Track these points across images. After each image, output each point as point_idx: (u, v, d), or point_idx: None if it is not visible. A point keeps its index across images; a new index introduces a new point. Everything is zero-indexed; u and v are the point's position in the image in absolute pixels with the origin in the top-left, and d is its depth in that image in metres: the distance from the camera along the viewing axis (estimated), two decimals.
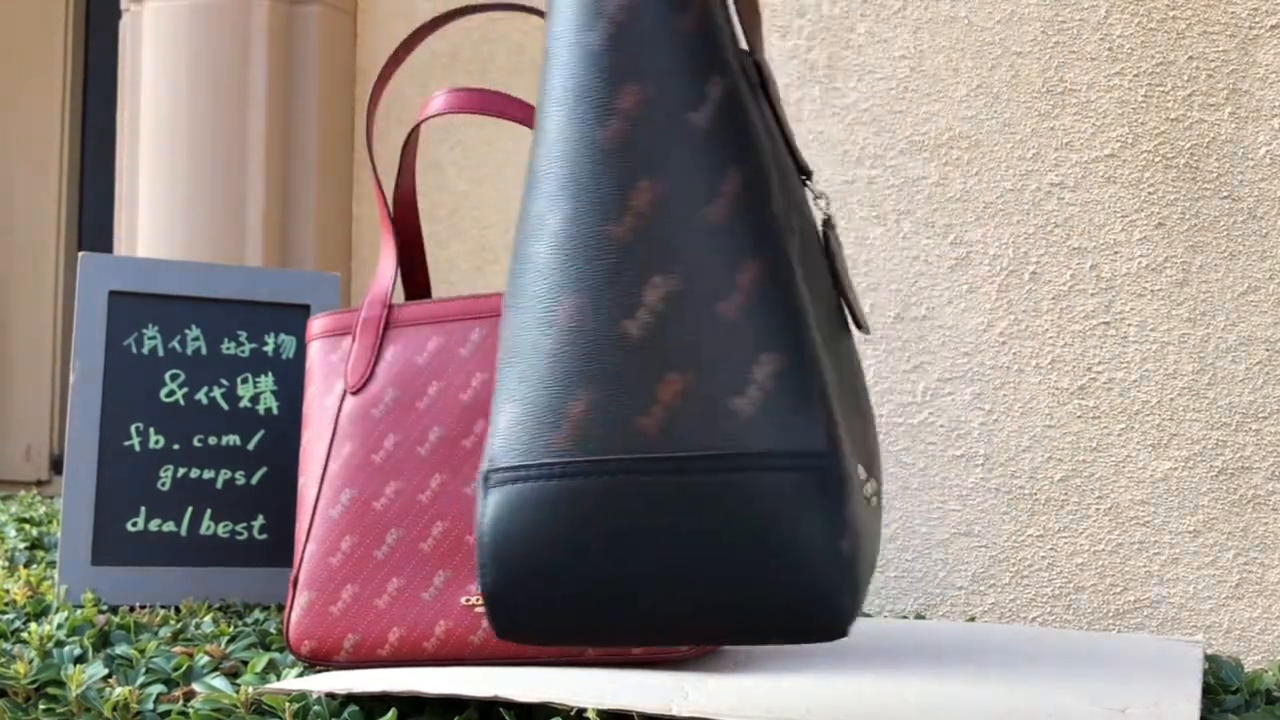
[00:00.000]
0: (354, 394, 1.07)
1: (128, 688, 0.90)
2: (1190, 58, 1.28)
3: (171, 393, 1.34)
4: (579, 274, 0.64)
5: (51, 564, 1.52)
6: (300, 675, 0.98)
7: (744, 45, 0.72)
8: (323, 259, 2.04)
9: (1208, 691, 1.01)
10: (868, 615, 1.33)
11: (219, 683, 0.92)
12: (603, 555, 0.64)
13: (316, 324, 1.12)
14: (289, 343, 1.37)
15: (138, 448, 1.33)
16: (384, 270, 1.11)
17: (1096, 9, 1.31)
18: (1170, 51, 1.29)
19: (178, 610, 1.28)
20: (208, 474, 1.34)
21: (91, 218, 3.48)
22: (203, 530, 1.33)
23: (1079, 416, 1.30)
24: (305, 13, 2.02)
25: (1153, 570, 1.28)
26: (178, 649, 1.03)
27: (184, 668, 0.97)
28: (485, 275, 1.78)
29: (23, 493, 2.61)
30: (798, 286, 0.65)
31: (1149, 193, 1.29)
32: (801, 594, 0.63)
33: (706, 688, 0.88)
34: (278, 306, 1.38)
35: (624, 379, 0.64)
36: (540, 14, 1.28)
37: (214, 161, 1.98)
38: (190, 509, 1.33)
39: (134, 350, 1.34)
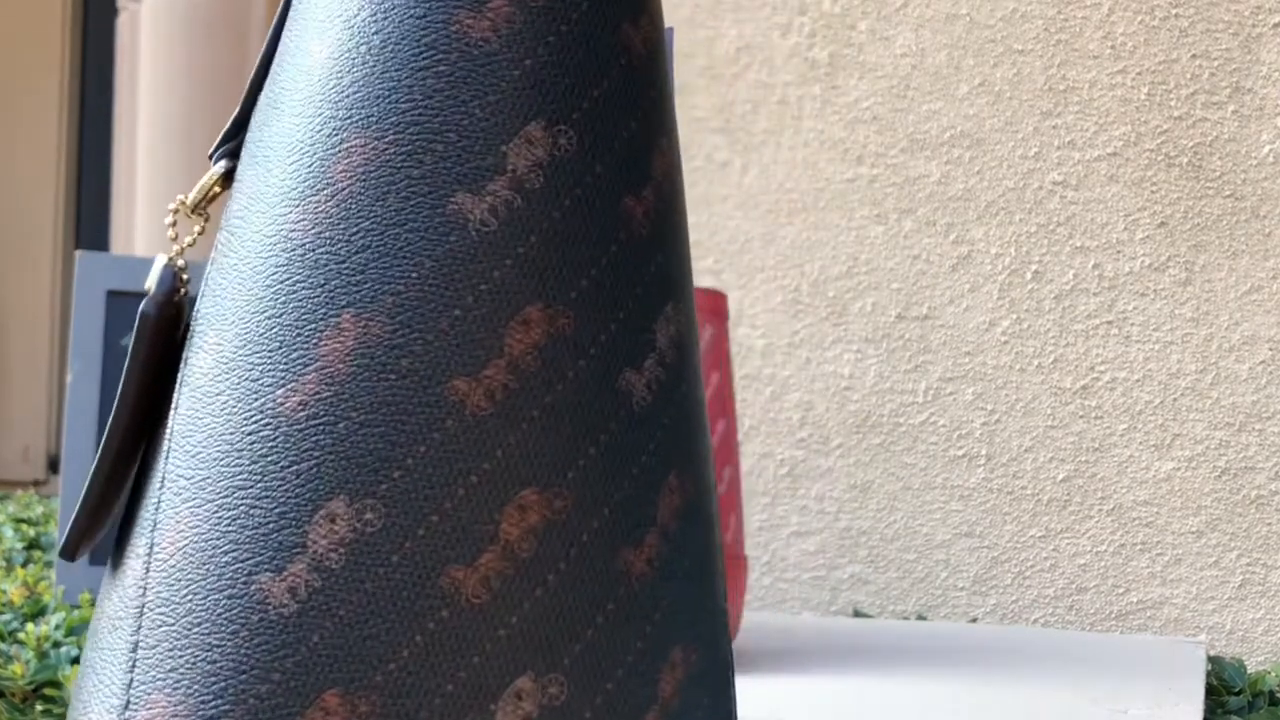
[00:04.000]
0: None
1: None
2: (1193, 56, 1.28)
3: None
4: None
5: (49, 564, 1.51)
6: None
7: None
8: None
9: (1210, 693, 1.01)
10: (869, 616, 1.33)
11: None
12: None
13: None
14: None
15: None
16: None
17: (1099, 7, 1.31)
18: (1173, 50, 1.29)
19: None
20: None
21: (89, 217, 3.48)
22: None
23: (1081, 416, 1.30)
24: None
25: (1155, 571, 1.27)
26: None
27: None
28: None
29: (20, 493, 2.61)
30: None
31: (1152, 191, 1.29)
32: None
33: None
34: None
35: None
36: None
37: None
38: None
39: None
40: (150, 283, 0.43)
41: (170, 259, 0.44)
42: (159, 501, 0.40)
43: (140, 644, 0.39)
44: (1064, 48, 1.32)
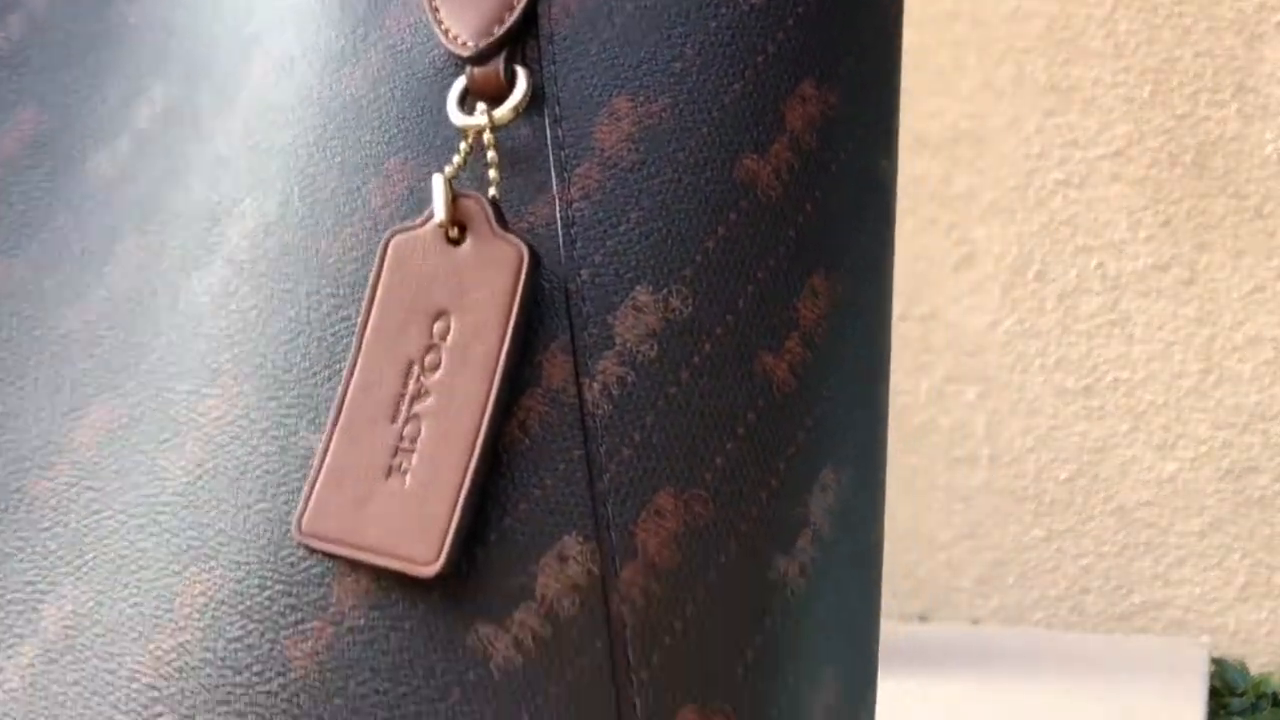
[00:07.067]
0: None
1: None
2: (1196, 54, 1.27)
3: None
4: None
5: None
6: None
7: None
8: None
9: (1213, 694, 1.00)
10: None
11: None
12: None
13: None
14: None
15: None
16: None
17: (1102, 5, 1.30)
18: (1176, 48, 1.28)
19: None
20: None
21: None
22: None
23: (1084, 417, 1.29)
24: None
25: (1159, 572, 1.27)
26: None
27: None
28: None
29: None
30: None
31: (1155, 190, 1.28)
32: None
33: None
34: None
35: None
36: None
37: None
38: None
39: None
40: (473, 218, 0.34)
41: (495, 196, 0.35)
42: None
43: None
44: (1067, 46, 1.31)
